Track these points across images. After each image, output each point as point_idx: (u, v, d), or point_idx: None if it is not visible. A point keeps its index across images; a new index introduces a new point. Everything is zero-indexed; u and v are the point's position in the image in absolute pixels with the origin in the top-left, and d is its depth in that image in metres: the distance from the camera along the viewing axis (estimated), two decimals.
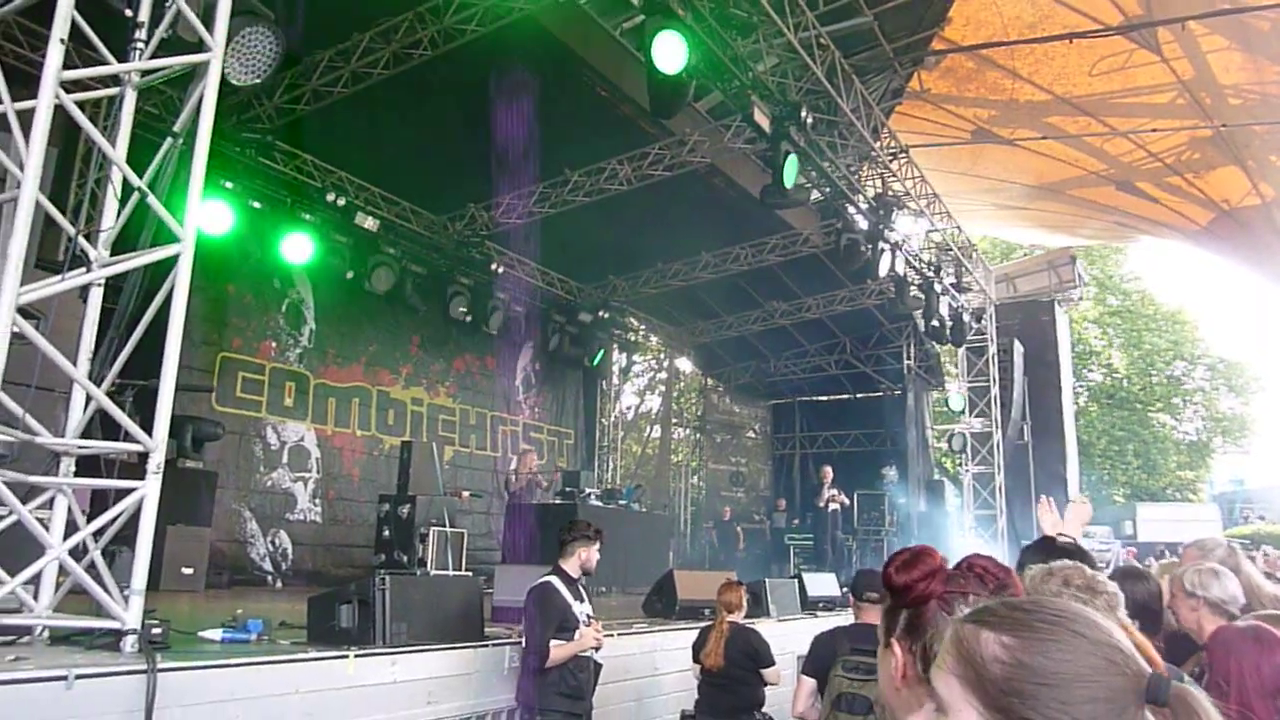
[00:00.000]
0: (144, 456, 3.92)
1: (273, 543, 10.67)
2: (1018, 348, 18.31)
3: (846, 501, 15.49)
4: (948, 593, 1.39)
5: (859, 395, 21.20)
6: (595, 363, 16.40)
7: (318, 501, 11.47)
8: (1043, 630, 0.98)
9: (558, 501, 12.15)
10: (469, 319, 12.95)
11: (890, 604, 1.47)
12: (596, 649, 4.89)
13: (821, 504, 15.26)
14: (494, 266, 12.97)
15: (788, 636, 7.17)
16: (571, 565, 4.93)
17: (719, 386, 21.63)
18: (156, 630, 3.78)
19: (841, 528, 15.66)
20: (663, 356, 27.07)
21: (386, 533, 8.94)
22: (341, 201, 10.54)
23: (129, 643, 3.71)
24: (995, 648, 0.98)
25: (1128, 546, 18.31)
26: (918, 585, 1.42)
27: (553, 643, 4.68)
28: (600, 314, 15.69)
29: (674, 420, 23.30)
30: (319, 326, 11.90)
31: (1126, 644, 0.98)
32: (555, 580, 4.84)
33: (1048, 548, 3.05)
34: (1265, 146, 12.86)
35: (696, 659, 5.55)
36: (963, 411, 17.46)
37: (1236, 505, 28.17)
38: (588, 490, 12.55)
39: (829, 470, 15.84)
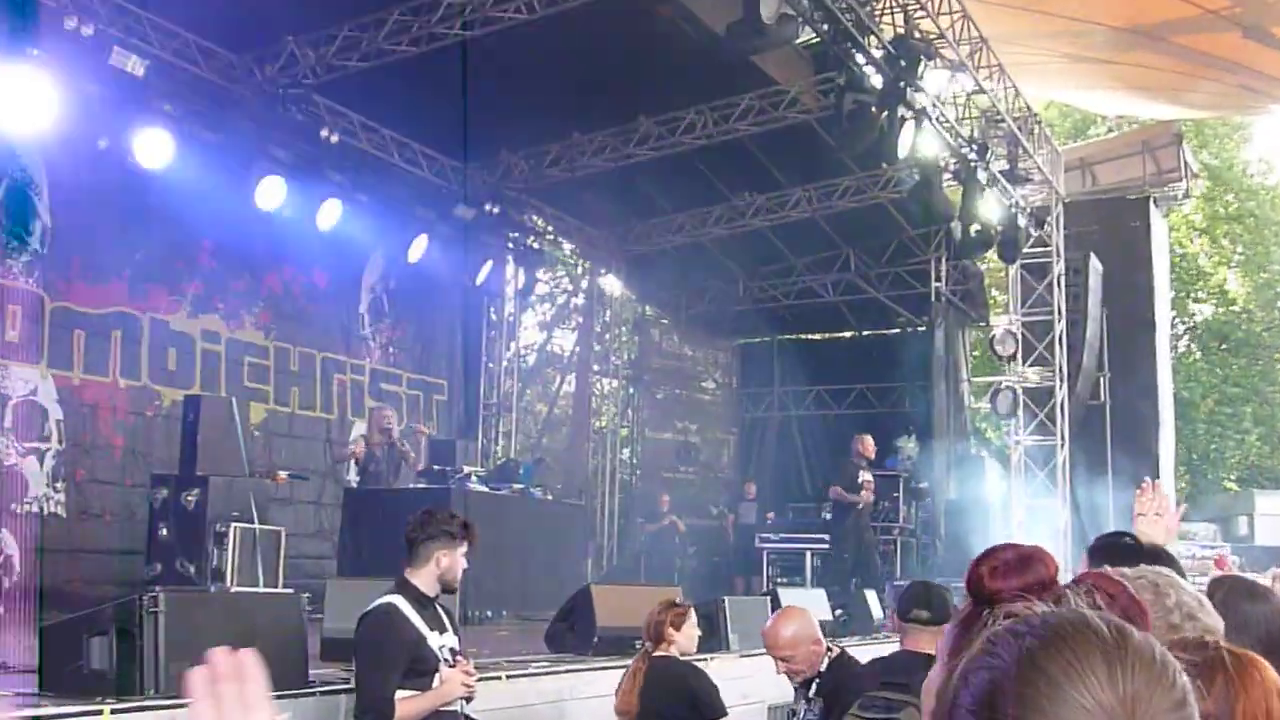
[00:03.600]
0: None
1: None
2: (1095, 266, 18.69)
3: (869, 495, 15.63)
4: None
5: (866, 333, 21.64)
6: (480, 280, 16.62)
7: (60, 485, 11.39)
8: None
9: (422, 485, 12.26)
10: (287, 213, 12.84)
11: (969, 613, 1.53)
12: (467, 699, 4.95)
13: (859, 495, 15.31)
14: (325, 133, 12.84)
15: (755, 678, 7.26)
16: (425, 578, 4.96)
17: (663, 318, 21.73)
18: None
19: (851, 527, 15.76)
20: (580, 273, 26.86)
21: (164, 531, 8.94)
22: (89, 30, 10.18)
23: None
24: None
25: (1220, 552, 18.83)
26: (1020, 598, 1.45)
27: (400, 694, 4.69)
28: (488, 208, 15.73)
29: (595, 367, 23.07)
30: (57, 222, 11.66)
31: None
32: (400, 602, 4.87)
33: (1119, 548, 3.14)
34: None
35: None
36: (1014, 358, 17.74)
37: None
38: (467, 469, 12.68)
39: (869, 441, 15.70)
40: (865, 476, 15.39)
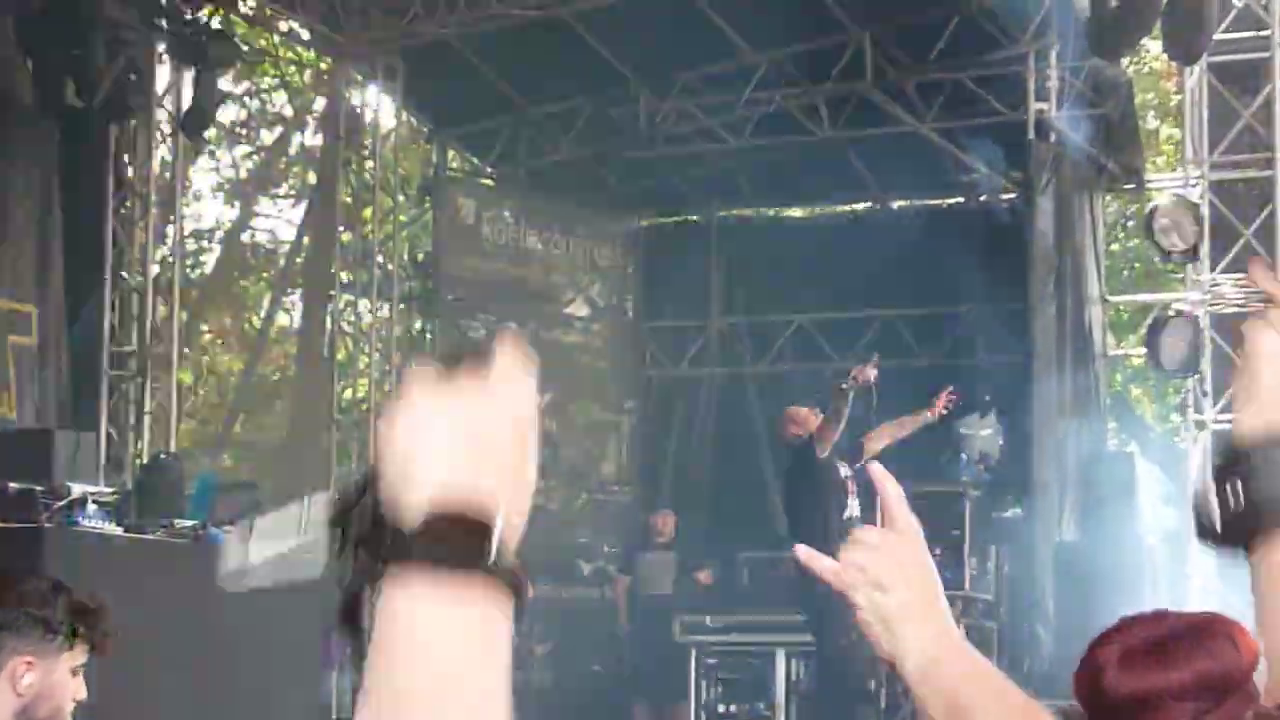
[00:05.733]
0: None
1: None
2: None
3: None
4: None
5: (898, 204, 22.85)
6: (99, 99, 17.13)
7: None
8: None
9: None
10: None
11: None
12: None
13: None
14: None
15: None
16: None
17: (482, 174, 22.91)
18: None
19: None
20: (312, 82, 28.17)
21: None
22: None
23: None
24: None
25: None
26: (1181, 706, 1.88)
27: None
28: None
29: (345, 278, 22.80)
30: None
31: None
32: None
33: None
34: None
35: None
36: (1193, 253, 17.64)
37: None
38: (77, 490, 13.00)
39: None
40: (844, 473, 15.49)
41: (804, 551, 3.08)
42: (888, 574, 2.38)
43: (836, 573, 2.62)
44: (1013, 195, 19.59)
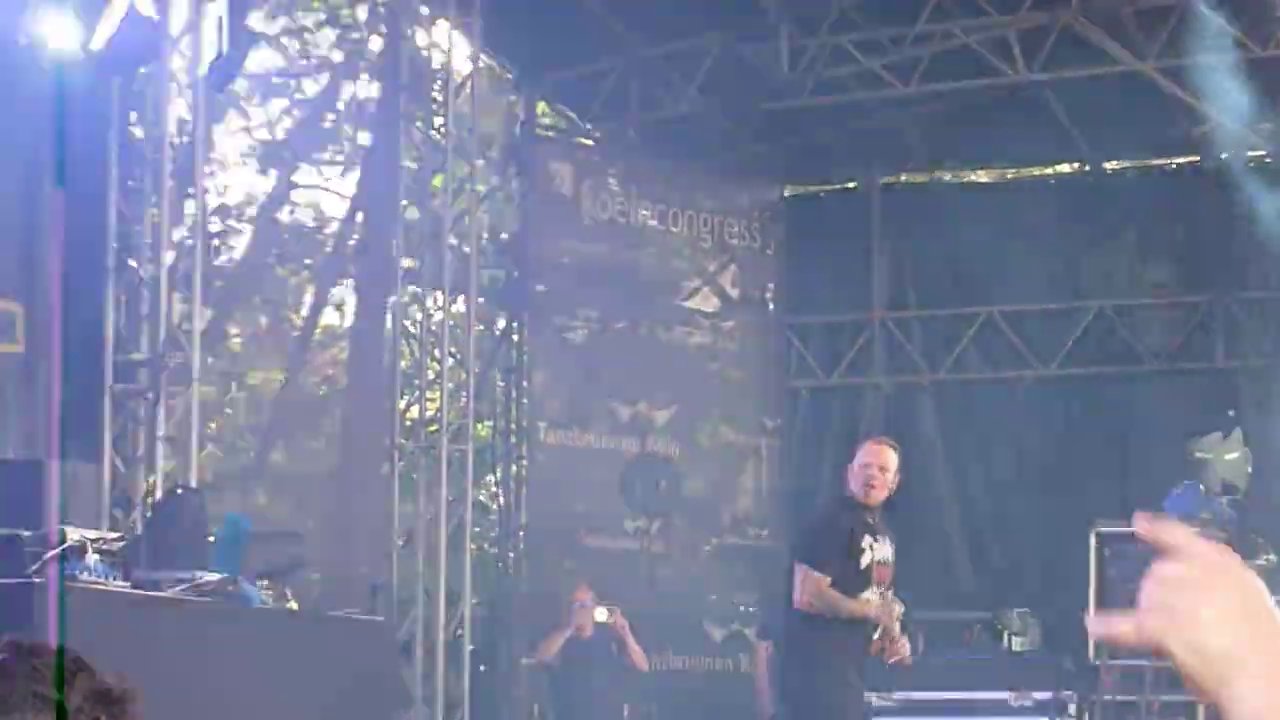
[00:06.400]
0: None
1: None
2: None
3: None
4: None
5: (1110, 165, 22.47)
6: (98, 44, 17.06)
7: None
8: None
9: None
10: None
11: None
12: None
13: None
14: None
15: None
16: None
17: (583, 134, 22.88)
18: None
19: None
20: (368, 17, 28.09)
21: None
22: None
23: None
24: None
25: None
26: None
27: None
28: None
29: (407, 263, 22.31)
30: None
31: None
32: None
33: None
34: None
35: None
36: None
37: None
38: (75, 537, 13.10)
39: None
40: (880, 554, 14.77)
41: (1099, 624, 2.17)
42: (1206, 613, 1.91)
43: (1137, 627, 2.02)
44: (1261, 153, 19.39)
